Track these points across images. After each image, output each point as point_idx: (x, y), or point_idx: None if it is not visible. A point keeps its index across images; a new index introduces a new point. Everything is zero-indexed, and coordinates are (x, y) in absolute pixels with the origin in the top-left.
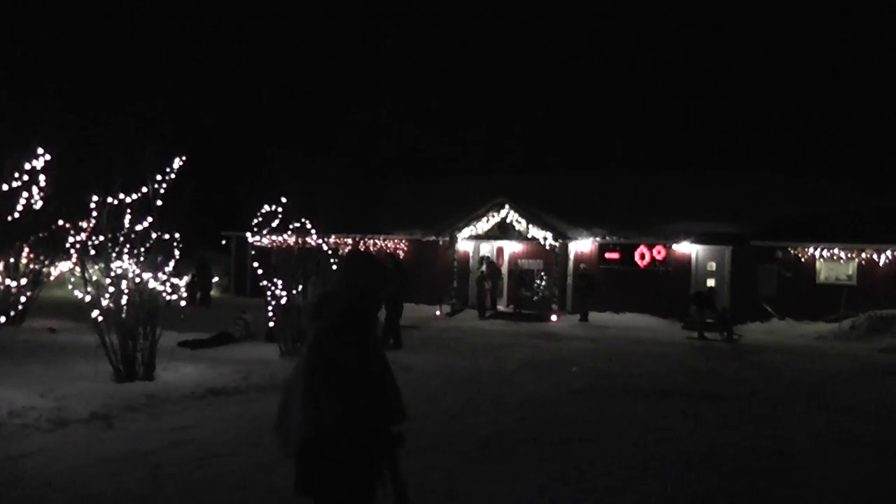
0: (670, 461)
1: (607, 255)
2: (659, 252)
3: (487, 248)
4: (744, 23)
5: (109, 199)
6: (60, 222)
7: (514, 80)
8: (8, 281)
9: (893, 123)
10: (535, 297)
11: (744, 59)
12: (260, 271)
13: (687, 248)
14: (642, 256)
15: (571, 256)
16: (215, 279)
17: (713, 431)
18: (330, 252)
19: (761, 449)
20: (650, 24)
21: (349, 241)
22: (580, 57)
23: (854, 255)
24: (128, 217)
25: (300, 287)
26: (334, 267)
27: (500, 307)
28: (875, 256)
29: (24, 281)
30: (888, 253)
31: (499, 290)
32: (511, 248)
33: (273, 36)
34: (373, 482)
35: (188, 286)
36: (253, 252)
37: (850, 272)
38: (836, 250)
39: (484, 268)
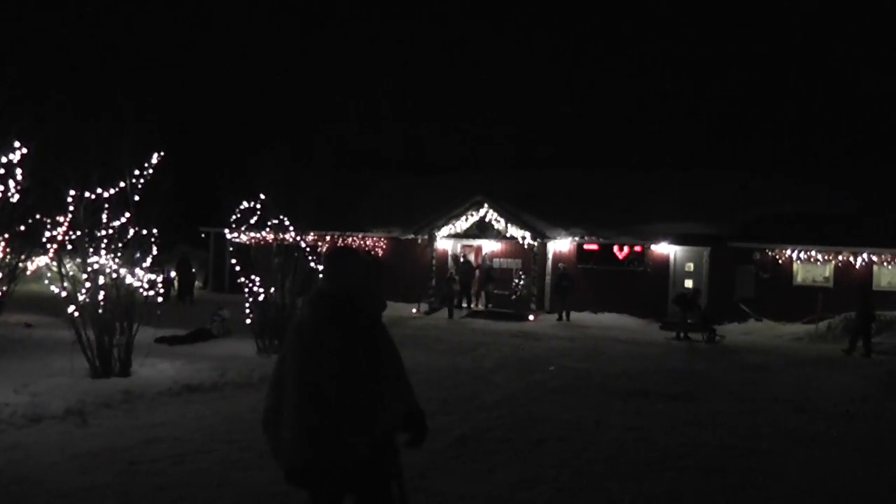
0: (645, 460)
1: (586, 255)
2: (637, 252)
3: (458, 246)
4: (723, 23)
5: (87, 194)
6: (37, 216)
7: (494, 78)
8: None
9: (872, 126)
10: (514, 297)
11: (724, 60)
12: (238, 268)
13: (665, 249)
14: (621, 256)
15: (550, 256)
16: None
17: (688, 431)
18: (308, 249)
19: (736, 448)
20: (628, 24)
21: (328, 238)
22: (561, 56)
23: (831, 258)
24: (105, 212)
25: (278, 284)
26: (313, 265)
27: (478, 306)
28: (851, 259)
29: None
30: (864, 256)
31: (473, 290)
32: (490, 246)
33: (254, 31)
34: (378, 484)
35: (165, 282)
36: (231, 248)
37: (827, 274)
38: (813, 252)
39: (452, 267)
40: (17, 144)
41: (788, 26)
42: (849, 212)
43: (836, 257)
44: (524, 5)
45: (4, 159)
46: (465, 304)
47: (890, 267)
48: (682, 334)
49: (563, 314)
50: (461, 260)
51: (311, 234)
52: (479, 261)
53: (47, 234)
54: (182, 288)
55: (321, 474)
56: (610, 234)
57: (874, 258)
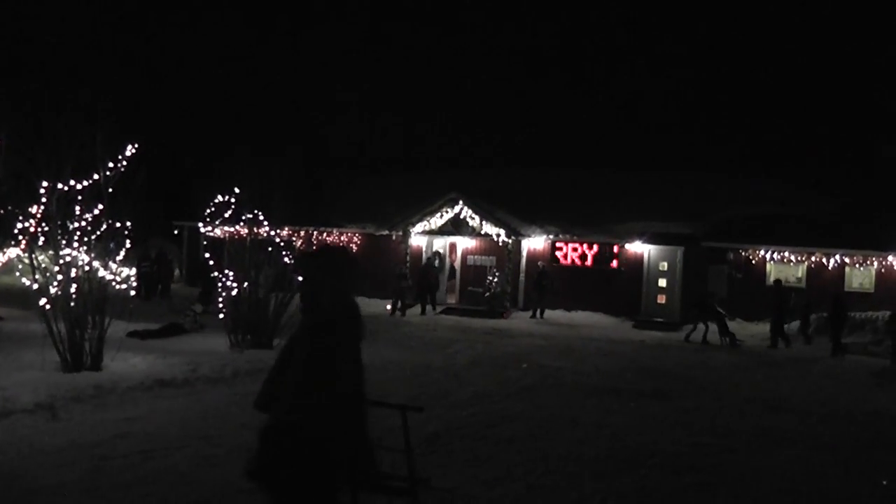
0: (617, 458)
1: (560, 253)
2: (611, 250)
3: (424, 243)
4: (703, 23)
5: (59, 186)
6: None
7: (471, 76)
8: None
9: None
10: (487, 294)
11: (703, 61)
12: (212, 262)
13: (639, 248)
14: (595, 254)
15: (524, 254)
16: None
17: (661, 428)
18: (282, 244)
19: (708, 446)
20: (606, 23)
21: (302, 233)
22: (540, 55)
23: (804, 259)
24: (78, 204)
25: (252, 279)
26: (286, 260)
27: (449, 303)
28: (824, 260)
29: None
30: (837, 257)
31: (432, 288)
32: (464, 244)
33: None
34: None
35: (142, 276)
36: (205, 242)
37: (800, 275)
38: (786, 253)
39: (405, 269)
40: None
41: (769, 29)
42: (823, 214)
43: (808, 258)
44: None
45: None
46: (428, 306)
47: (861, 269)
48: (693, 338)
49: (538, 312)
50: (429, 259)
51: (286, 229)
52: (461, 260)
53: (19, 225)
54: (163, 283)
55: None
56: (584, 232)
57: (846, 260)
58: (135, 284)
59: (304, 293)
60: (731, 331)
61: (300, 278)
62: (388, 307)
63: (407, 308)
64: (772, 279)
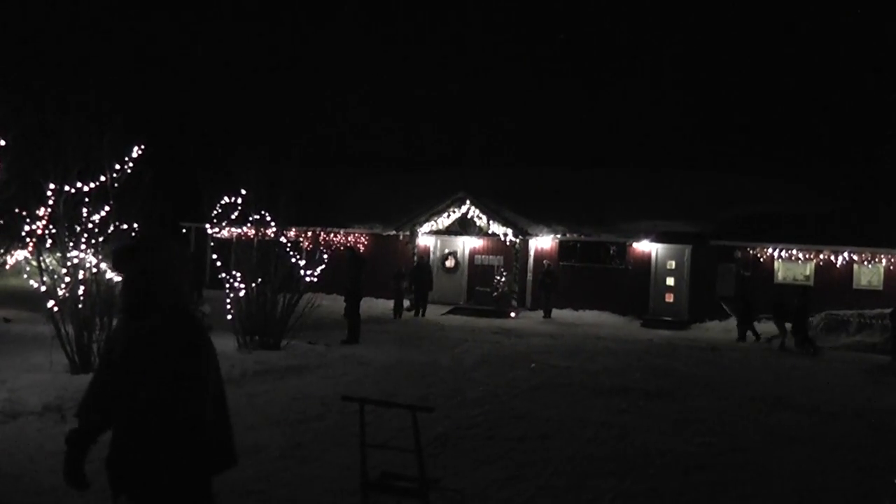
0: (627, 458)
1: (568, 252)
2: (619, 249)
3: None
4: (704, 24)
5: (66, 188)
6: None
7: (478, 76)
8: None
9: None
10: (495, 293)
11: (706, 61)
12: (219, 263)
13: (647, 247)
14: (602, 254)
15: (532, 253)
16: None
17: (669, 428)
18: (289, 245)
19: (716, 446)
20: (612, 23)
21: (309, 234)
22: (546, 55)
23: (812, 256)
24: (85, 206)
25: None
26: (294, 261)
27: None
28: (832, 258)
29: None
30: (845, 254)
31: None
32: (471, 243)
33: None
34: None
35: None
36: (212, 244)
37: (808, 273)
38: (794, 251)
39: (403, 269)
40: None
41: (770, 28)
42: (830, 211)
43: (816, 256)
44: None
45: None
46: (419, 311)
47: (870, 266)
48: (780, 343)
49: (547, 311)
50: (421, 261)
51: (293, 229)
52: (468, 260)
53: (26, 227)
54: (197, 287)
55: None
56: (592, 231)
57: (854, 257)
58: None
59: (129, 294)
60: (811, 338)
61: (123, 278)
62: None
63: (404, 310)
64: (780, 277)
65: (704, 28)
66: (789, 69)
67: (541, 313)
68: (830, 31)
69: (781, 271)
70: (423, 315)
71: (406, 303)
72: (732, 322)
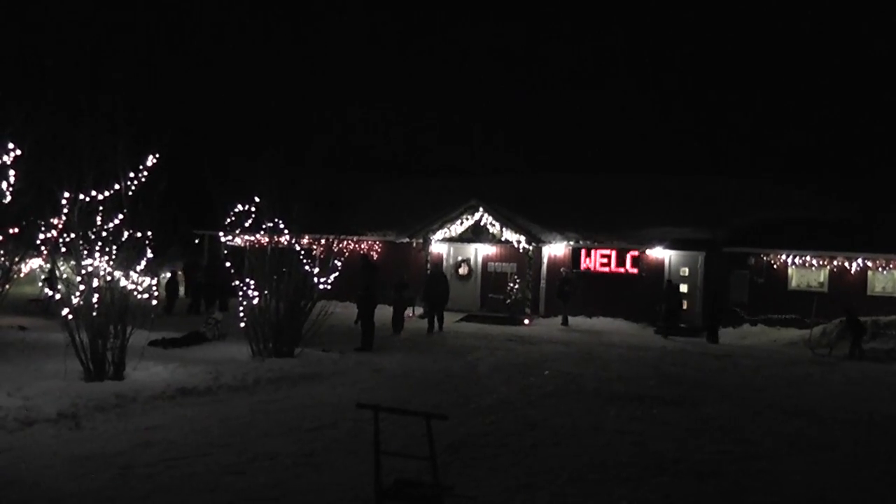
0: (641, 465)
1: (581, 259)
2: (632, 256)
3: (444, 251)
4: (718, 27)
5: (81, 196)
6: (31, 218)
7: (490, 82)
8: None
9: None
10: (508, 301)
11: (720, 65)
12: (233, 271)
13: (660, 254)
14: (616, 260)
15: (545, 260)
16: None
17: (684, 435)
18: (303, 252)
19: (731, 453)
20: (624, 27)
21: (322, 241)
22: (558, 60)
23: (825, 263)
24: (99, 214)
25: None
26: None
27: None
28: (846, 264)
29: None
30: (859, 261)
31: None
32: (484, 250)
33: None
34: None
35: (198, 289)
36: (226, 251)
37: (822, 279)
38: (807, 257)
39: (405, 278)
40: (10, 146)
41: (784, 32)
42: (843, 217)
43: (830, 262)
44: (521, 9)
45: None
46: (435, 325)
47: (884, 272)
48: (857, 355)
49: (566, 318)
50: (437, 266)
51: (306, 237)
52: (481, 267)
53: (41, 236)
54: (221, 296)
55: None
56: (605, 238)
57: (868, 263)
58: (189, 300)
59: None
60: (863, 346)
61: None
62: (410, 314)
63: (402, 325)
64: (793, 283)
65: (722, 33)
66: (804, 75)
67: (555, 320)
68: (851, 36)
69: (795, 278)
70: (440, 330)
71: (409, 312)
72: (746, 329)
